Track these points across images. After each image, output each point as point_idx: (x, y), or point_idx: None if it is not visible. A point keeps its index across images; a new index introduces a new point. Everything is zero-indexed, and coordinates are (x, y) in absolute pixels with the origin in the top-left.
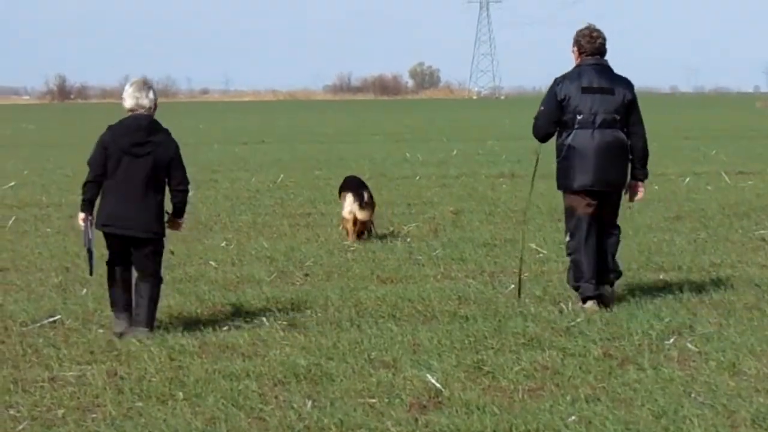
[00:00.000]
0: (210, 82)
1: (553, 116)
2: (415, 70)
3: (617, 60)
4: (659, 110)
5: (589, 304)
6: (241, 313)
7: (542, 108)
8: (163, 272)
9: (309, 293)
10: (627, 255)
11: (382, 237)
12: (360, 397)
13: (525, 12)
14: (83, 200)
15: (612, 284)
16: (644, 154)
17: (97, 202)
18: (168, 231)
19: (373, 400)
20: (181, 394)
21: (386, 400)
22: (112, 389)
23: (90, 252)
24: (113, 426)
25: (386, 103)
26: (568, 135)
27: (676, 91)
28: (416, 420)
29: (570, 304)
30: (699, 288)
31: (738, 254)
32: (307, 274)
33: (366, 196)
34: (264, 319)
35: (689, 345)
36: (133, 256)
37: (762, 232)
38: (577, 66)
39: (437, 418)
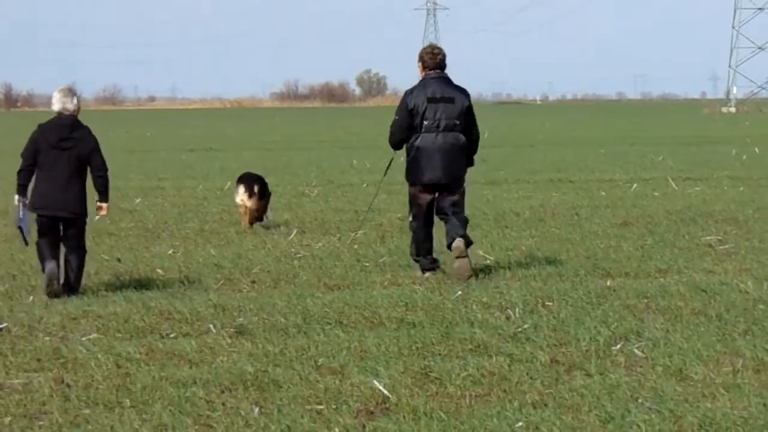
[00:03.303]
0: (157, 90)
1: (405, 123)
2: (361, 78)
3: (563, 67)
4: (606, 116)
5: (428, 274)
6: (188, 320)
7: (396, 118)
8: (87, 245)
9: (256, 300)
10: (574, 261)
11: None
12: (307, 404)
13: (472, 20)
14: (18, 185)
15: (468, 246)
16: (476, 149)
17: (32, 188)
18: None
19: (321, 407)
20: (128, 401)
21: (333, 407)
22: (59, 397)
23: (21, 228)
24: None
25: (333, 111)
26: (416, 138)
27: (623, 97)
28: (363, 426)
29: (517, 311)
30: (646, 294)
31: (685, 260)
32: (254, 281)
33: (255, 188)
34: (211, 326)
35: (636, 351)
36: (62, 234)
37: (708, 237)
38: (423, 79)
39: (384, 424)
